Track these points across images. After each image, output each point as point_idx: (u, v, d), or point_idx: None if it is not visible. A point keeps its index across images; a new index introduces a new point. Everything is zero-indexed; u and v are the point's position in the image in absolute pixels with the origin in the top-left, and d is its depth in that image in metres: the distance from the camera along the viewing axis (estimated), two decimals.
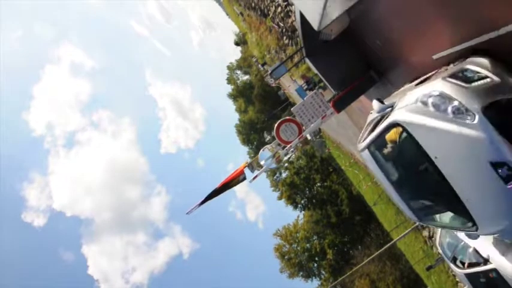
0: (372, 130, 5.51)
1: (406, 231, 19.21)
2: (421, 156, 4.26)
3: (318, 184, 55.92)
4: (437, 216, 5.18)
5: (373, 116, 5.79)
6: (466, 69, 4.07)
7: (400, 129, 4.51)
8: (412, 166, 4.80)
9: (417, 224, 6.07)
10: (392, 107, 4.86)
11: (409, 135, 4.32)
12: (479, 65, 3.96)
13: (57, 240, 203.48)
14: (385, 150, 5.20)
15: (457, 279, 17.24)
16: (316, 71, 9.87)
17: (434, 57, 5.16)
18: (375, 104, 5.12)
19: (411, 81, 5.96)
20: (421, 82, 4.95)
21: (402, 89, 5.96)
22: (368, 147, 5.50)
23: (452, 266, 8.79)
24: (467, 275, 7.99)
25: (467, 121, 3.64)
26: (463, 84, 3.88)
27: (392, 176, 5.33)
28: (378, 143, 5.23)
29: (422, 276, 27.19)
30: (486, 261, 7.13)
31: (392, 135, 4.74)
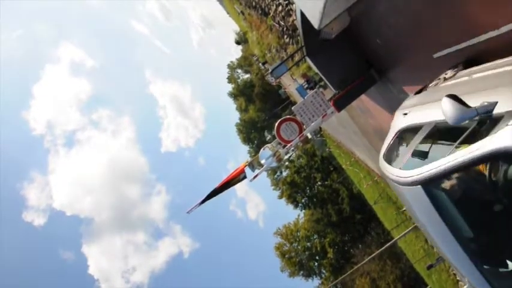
0: (421, 149, 3.25)
1: (407, 230, 19.21)
2: None
3: (319, 183, 56.02)
4: None
5: (410, 120, 3.77)
6: None
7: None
8: None
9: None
10: (490, 113, 2.25)
11: None
12: None
13: (58, 239, 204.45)
14: (455, 190, 2.93)
15: (458, 278, 17.27)
16: (316, 70, 9.88)
17: (435, 56, 5.14)
18: (449, 103, 2.35)
19: (453, 68, 4.19)
20: None
21: (478, 75, 3.33)
22: (425, 183, 3.02)
23: None
24: None
25: None
26: None
27: (464, 233, 3.03)
28: (448, 181, 2.90)
29: (423, 275, 27.22)
30: None
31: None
